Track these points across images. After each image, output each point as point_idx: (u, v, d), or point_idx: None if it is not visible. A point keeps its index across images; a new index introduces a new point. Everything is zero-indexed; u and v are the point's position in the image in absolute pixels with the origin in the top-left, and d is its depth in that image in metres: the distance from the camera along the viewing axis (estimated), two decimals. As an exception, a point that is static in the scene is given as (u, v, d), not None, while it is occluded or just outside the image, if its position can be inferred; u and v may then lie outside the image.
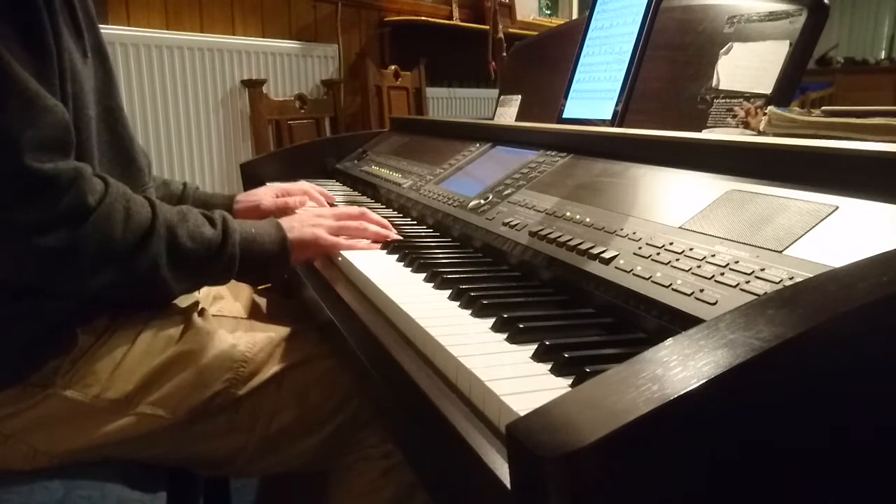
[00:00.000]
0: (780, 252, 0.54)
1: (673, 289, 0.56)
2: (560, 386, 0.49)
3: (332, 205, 1.24)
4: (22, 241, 0.66)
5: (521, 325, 0.58)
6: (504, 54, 2.75)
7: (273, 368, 0.84)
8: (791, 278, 0.50)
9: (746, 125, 0.88)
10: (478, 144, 1.22)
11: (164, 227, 0.75)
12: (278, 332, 0.88)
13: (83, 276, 0.70)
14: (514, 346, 0.57)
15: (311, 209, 1.01)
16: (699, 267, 0.57)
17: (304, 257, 0.93)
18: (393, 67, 2.92)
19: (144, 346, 0.79)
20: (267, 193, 1.17)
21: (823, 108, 0.80)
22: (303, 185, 1.24)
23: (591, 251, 0.67)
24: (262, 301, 1.07)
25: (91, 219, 0.69)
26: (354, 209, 1.00)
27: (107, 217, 0.70)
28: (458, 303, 0.68)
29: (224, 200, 1.15)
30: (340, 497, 0.87)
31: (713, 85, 0.94)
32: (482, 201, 0.95)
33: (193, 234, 0.78)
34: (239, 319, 0.94)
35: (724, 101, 0.92)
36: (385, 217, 1.12)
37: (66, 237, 0.67)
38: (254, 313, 1.01)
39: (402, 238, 0.97)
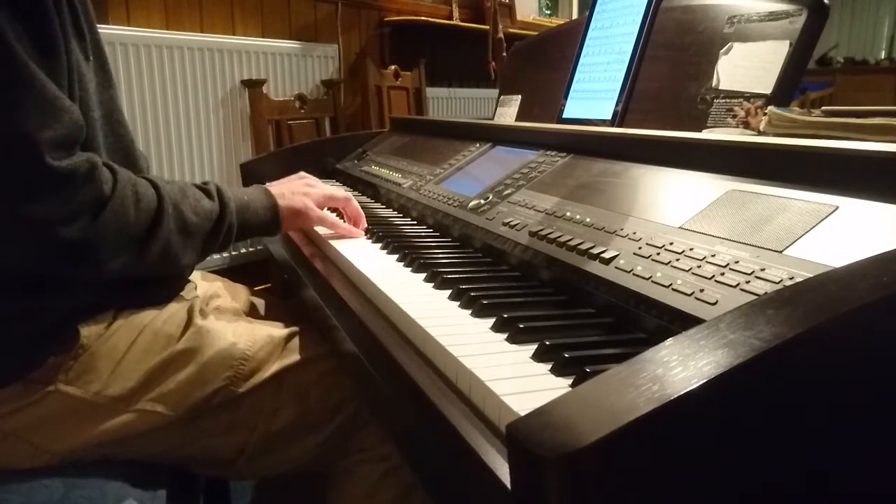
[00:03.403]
0: (780, 252, 0.54)
1: (673, 289, 0.56)
2: (560, 386, 0.49)
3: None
4: (45, 233, 0.67)
5: (521, 325, 0.58)
6: (504, 54, 2.75)
7: (273, 367, 0.84)
8: (791, 278, 0.50)
9: (746, 125, 0.88)
10: (478, 144, 1.22)
11: (171, 205, 0.78)
12: (279, 331, 0.89)
13: (104, 261, 0.72)
14: (514, 346, 0.57)
15: (300, 179, 1.01)
16: (699, 267, 0.57)
17: (294, 226, 0.98)
18: (393, 67, 2.92)
19: (146, 344, 0.79)
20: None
21: (823, 108, 0.80)
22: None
23: (591, 251, 0.67)
24: (261, 302, 1.07)
25: (108, 207, 0.71)
26: (341, 192, 1.04)
27: (121, 203, 0.72)
28: (458, 303, 0.68)
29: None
30: (340, 500, 0.87)
31: (713, 85, 0.94)
32: (482, 201, 0.95)
33: (196, 208, 0.81)
34: (239, 319, 0.94)
35: (724, 101, 0.92)
36: (385, 217, 1.12)
37: (88, 227, 0.69)
38: (251, 314, 1.01)
39: (375, 226, 1.02)
